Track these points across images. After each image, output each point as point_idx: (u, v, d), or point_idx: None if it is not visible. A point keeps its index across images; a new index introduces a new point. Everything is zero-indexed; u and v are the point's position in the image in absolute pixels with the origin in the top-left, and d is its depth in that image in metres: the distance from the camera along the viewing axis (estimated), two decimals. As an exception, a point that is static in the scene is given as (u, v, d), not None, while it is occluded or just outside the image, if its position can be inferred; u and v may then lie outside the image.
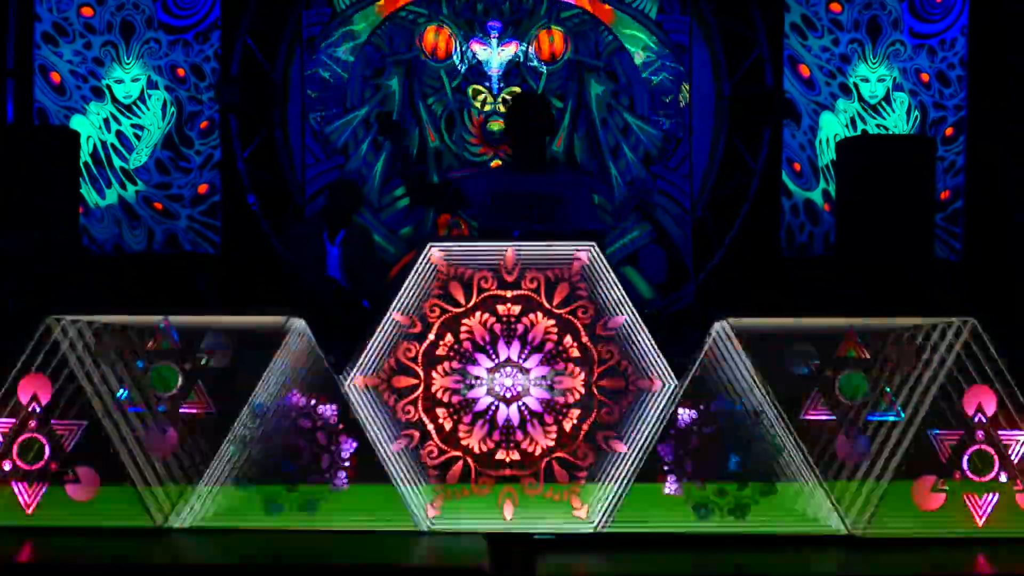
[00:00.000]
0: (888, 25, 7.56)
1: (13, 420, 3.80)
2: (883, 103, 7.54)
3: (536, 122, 4.57)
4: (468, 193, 4.67)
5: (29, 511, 3.75)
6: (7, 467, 3.77)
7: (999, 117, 7.18)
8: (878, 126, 7.53)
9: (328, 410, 3.80)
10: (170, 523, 3.74)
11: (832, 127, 7.55)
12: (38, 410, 3.80)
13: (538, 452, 3.78)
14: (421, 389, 3.80)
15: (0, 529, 3.72)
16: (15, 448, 3.78)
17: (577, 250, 3.83)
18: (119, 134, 7.50)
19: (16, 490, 3.76)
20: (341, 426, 3.78)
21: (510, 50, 7.55)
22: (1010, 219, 6.72)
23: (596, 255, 3.83)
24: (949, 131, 7.49)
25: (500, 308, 3.82)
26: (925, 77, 7.54)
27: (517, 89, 7.43)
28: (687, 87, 7.52)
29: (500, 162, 7.41)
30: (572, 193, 4.46)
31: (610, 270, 3.83)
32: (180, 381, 3.80)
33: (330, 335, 3.93)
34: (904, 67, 7.55)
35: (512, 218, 4.34)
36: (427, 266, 3.84)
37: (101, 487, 3.76)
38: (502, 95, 7.50)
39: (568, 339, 3.80)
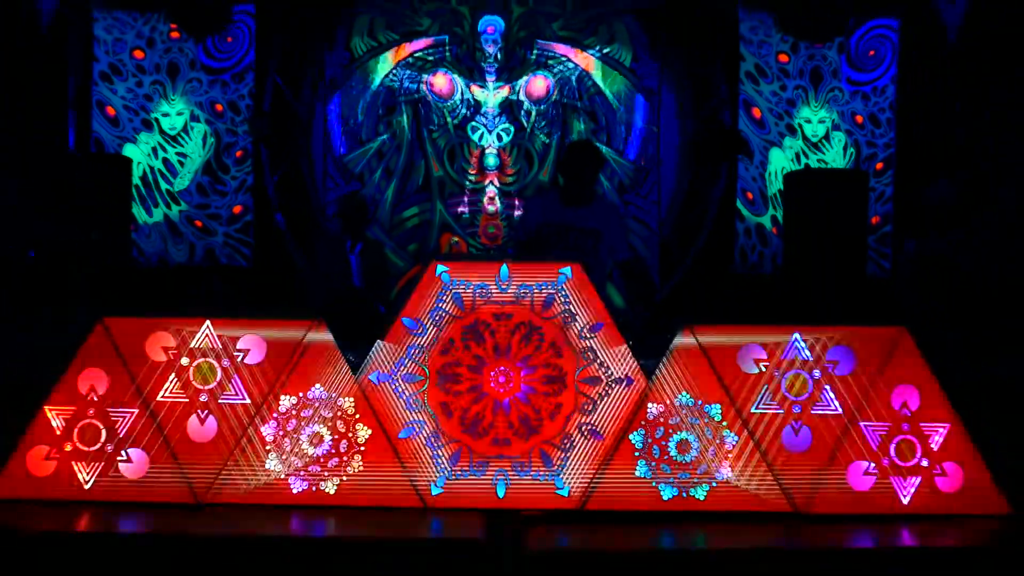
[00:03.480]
0: (828, 74, 7.62)
1: (74, 408, 3.80)
2: (823, 141, 7.59)
3: (591, 167, 4.55)
4: (525, 219, 4.63)
5: (87, 487, 3.75)
6: (68, 448, 3.77)
7: (922, 154, 7.23)
8: (819, 161, 7.57)
9: (346, 402, 3.80)
10: (209, 499, 3.74)
11: (780, 161, 7.59)
12: (95, 399, 3.80)
13: (527, 440, 3.79)
14: (427, 384, 3.81)
15: (62, 503, 3.72)
16: (75, 432, 3.78)
17: (562, 267, 3.85)
18: (165, 161, 7.49)
19: (76, 469, 3.76)
20: (358, 416, 3.79)
21: (504, 92, 7.57)
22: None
23: (578, 271, 3.85)
24: (879, 166, 7.54)
25: (495, 316, 3.83)
26: (860, 119, 7.60)
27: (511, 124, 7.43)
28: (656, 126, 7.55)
29: (496, 189, 7.41)
30: (607, 226, 4.46)
31: (590, 284, 3.86)
32: (219, 375, 3.81)
33: (348, 336, 3.94)
34: (842, 110, 7.60)
35: (556, 247, 4.32)
36: (432, 279, 3.85)
37: (149, 467, 3.77)
38: (497, 131, 7.53)
39: (554, 343, 3.81)
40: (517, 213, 7.00)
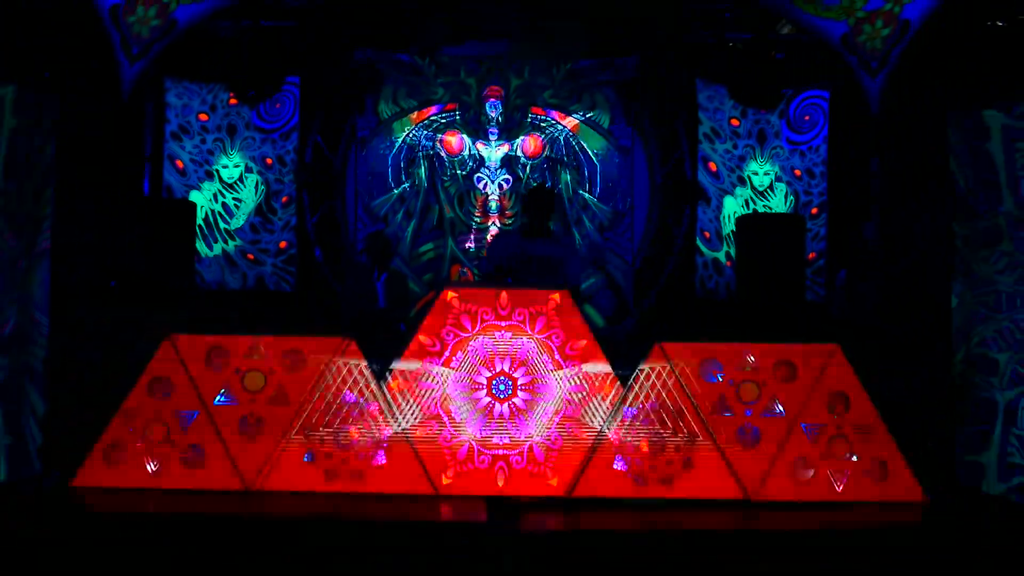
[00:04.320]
0: (772, 135, 7.65)
1: (145, 408, 3.77)
2: (768, 190, 7.61)
3: (547, 207, 4.58)
4: (490, 254, 4.63)
5: (155, 476, 3.72)
6: (139, 444, 3.75)
7: (850, 201, 7.26)
8: (765, 207, 7.59)
9: (372, 405, 3.78)
10: (257, 486, 3.71)
11: (732, 206, 7.61)
12: (163, 401, 3.77)
13: (523, 437, 3.77)
14: (439, 391, 3.79)
15: (134, 490, 3.69)
16: (145, 429, 3.75)
17: (552, 293, 3.85)
18: (224, 205, 7.50)
19: (145, 460, 3.73)
20: (381, 417, 3.77)
21: (504, 149, 7.61)
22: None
23: (566, 297, 3.85)
24: (814, 211, 7.56)
25: (496, 334, 3.82)
26: (798, 172, 7.63)
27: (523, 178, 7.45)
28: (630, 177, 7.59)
29: (498, 229, 7.43)
30: (564, 254, 4.47)
31: (576, 307, 3.85)
32: (266, 382, 3.79)
33: (374, 350, 3.92)
34: (783, 165, 7.63)
35: (523, 274, 4.33)
36: (444, 303, 3.84)
37: (208, 459, 3.74)
38: (498, 181, 7.56)
39: (545, 356, 3.80)
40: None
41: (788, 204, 7.57)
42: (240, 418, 3.77)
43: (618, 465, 3.74)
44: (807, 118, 7.63)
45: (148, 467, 3.73)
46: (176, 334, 3.85)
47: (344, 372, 3.80)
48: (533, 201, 4.58)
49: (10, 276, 4.03)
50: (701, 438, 3.74)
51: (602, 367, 3.79)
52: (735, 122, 7.66)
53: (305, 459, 3.74)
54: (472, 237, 7.53)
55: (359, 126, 7.59)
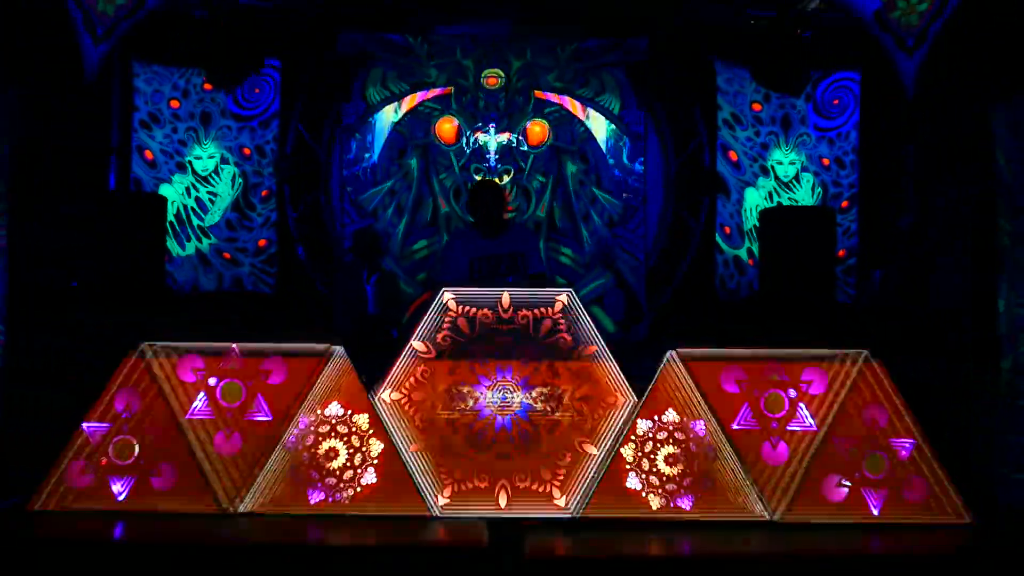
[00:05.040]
0: (797, 121, 7.63)
1: (110, 424, 3.75)
2: (794, 181, 7.59)
3: (494, 203, 4.60)
4: (450, 257, 4.69)
5: (121, 499, 3.70)
6: (104, 463, 3.72)
7: (883, 193, 7.23)
8: (790, 199, 7.57)
9: (361, 418, 3.76)
10: (234, 509, 3.69)
11: (754, 199, 7.58)
12: (129, 417, 3.75)
13: (527, 454, 3.74)
14: (435, 402, 3.77)
15: (97, 512, 3.66)
16: (111, 447, 3.73)
17: (558, 294, 3.83)
18: (197, 199, 7.48)
19: (111, 481, 3.71)
20: (371, 431, 3.75)
21: (504, 137, 7.58)
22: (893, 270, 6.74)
23: (572, 298, 3.83)
24: (845, 204, 7.53)
25: (497, 339, 3.80)
26: (826, 162, 7.61)
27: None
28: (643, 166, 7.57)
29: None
30: (527, 246, 4.52)
31: (583, 310, 3.83)
32: (244, 394, 3.77)
33: (363, 358, 3.90)
34: (810, 154, 7.61)
35: (490, 273, 4.39)
36: (441, 306, 3.82)
37: (179, 479, 3.71)
38: (498, 172, 7.53)
39: (550, 364, 3.78)
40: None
41: (816, 196, 7.54)
42: (216, 434, 3.75)
43: (632, 483, 3.71)
44: (836, 102, 7.60)
45: (114, 489, 3.70)
46: (145, 341, 3.83)
47: (331, 382, 3.78)
48: (480, 198, 4.62)
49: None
50: (723, 453, 3.72)
51: (613, 375, 3.76)
52: (757, 107, 7.64)
53: (288, 478, 3.71)
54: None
55: (345, 113, 7.57)
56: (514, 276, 4.35)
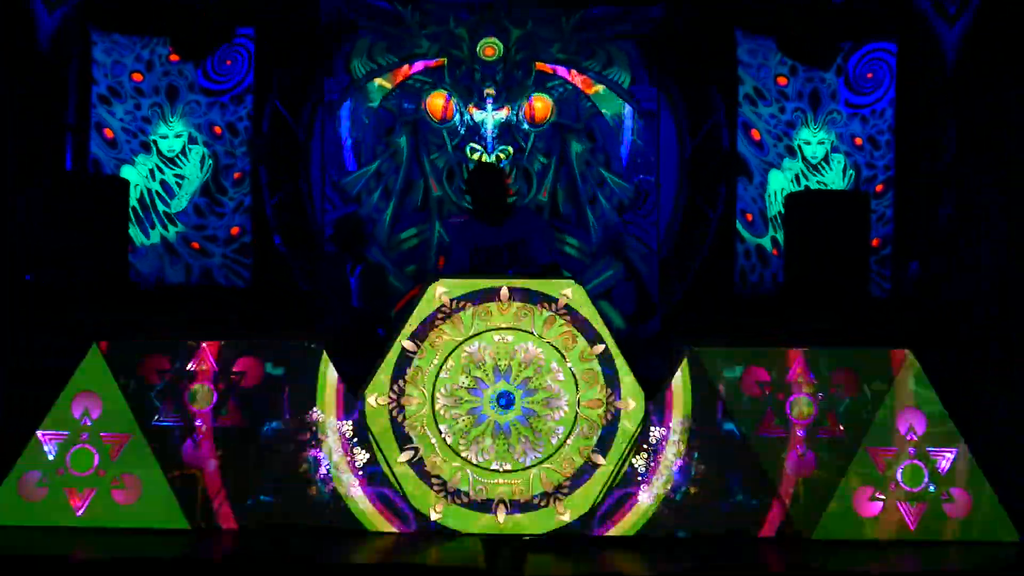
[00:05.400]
0: (827, 97, 7.60)
1: (67, 432, 3.74)
2: (823, 163, 7.57)
3: (494, 186, 4.57)
4: (454, 246, 4.68)
5: (79, 513, 3.69)
6: (61, 474, 3.71)
7: (921, 176, 7.22)
8: (818, 183, 7.54)
9: (343, 425, 3.75)
10: (206, 524, 3.68)
11: (779, 183, 7.56)
12: (89, 423, 3.75)
13: (529, 462, 3.74)
14: (426, 407, 3.77)
15: (53, 529, 3.66)
16: (68, 457, 3.72)
17: (562, 287, 3.82)
18: (163, 183, 7.45)
19: (68, 494, 3.70)
20: (356, 439, 3.74)
21: (502, 114, 7.55)
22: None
23: (579, 291, 3.82)
24: (879, 188, 7.51)
25: (496, 337, 3.79)
26: (859, 141, 7.58)
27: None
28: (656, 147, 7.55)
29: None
30: (534, 234, 4.48)
31: (590, 304, 3.82)
32: (215, 399, 3.76)
33: (348, 358, 3.89)
34: (840, 132, 7.58)
35: (491, 265, 4.36)
36: (432, 300, 3.81)
37: (143, 492, 3.71)
38: (496, 152, 7.51)
39: (554, 364, 3.78)
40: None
41: (847, 180, 7.52)
42: (185, 442, 3.74)
43: (644, 496, 3.71)
44: (870, 76, 7.57)
45: (73, 502, 3.69)
46: (105, 340, 3.81)
47: (311, 385, 3.77)
48: (478, 182, 4.60)
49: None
50: (745, 463, 3.71)
51: (624, 376, 3.76)
52: (783, 81, 7.61)
53: (265, 491, 3.70)
54: (462, 221, 7.49)
55: (327, 88, 7.54)
56: (517, 267, 4.31)
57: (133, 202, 7.19)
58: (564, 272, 4.71)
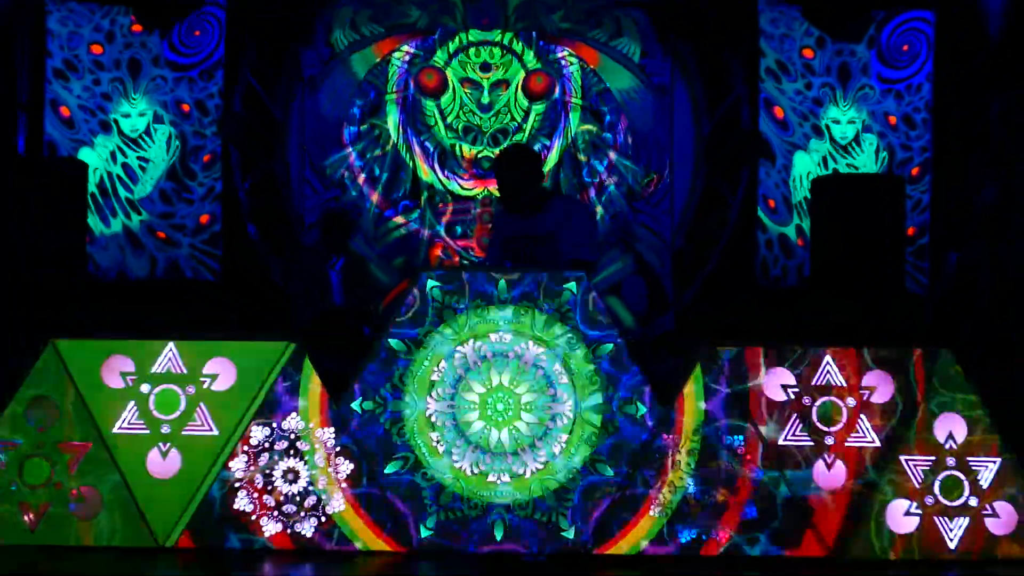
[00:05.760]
0: (858, 71, 7.60)
1: (19, 441, 3.74)
2: (853, 144, 7.57)
3: (520, 170, 4.51)
4: (492, 235, 4.60)
5: (33, 530, 3.69)
6: (13, 487, 3.71)
7: (962, 158, 7.22)
8: (848, 165, 7.55)
9: (326, 433, 3.75)
10: (170, 542, 3.68)
11: (805, 166, 7.57)
12: (44, 431, 3.74)
13: (528, 475, 3.74)
14: (416, 413, 3.77)
15: (4, 548, 3.66)
16: (21, 468, 3.72)
17: (566, 280, 3.81)
18: (125, 166, 7.45)
19: (21, 509, 3.70)
20: (339, 448, 3.75)
21: (500, 90, 7.56)
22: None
23: (584, 285, 3.82)
24: (915, 171, 7.52)
25: (492, 336, 3.79)
26: (893, 120, 7.58)
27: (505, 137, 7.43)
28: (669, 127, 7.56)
29: (489, 198, 7.40)
30: (566, 225, 4.40)
31: (597, 300, 3.82)
32: (183, 404, 3.76)
33: (329, 360, 3.90)
34: (873, 110, 7.58)
35: (519, 259, 4.27)
36: (422, 296, 3.81)
37: (104, 507, 3.71)
38: (492, 132, 7.51)
39: (557, 366, 3.78)
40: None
41: (880, 162, 7.53)
42: (149, 451, 3.73)
43: (655, 511, 3.72)
44: (905, 48, 7.57)
45: (25, 519, 3.70)
46: (61, 338, 3.80)
47: (288, 389, 3.77)
48: (503, 164, 4.53)
49: None
50: (767, 475, 3.71)
51: (634, 379, 3.76)
52: (809, 53, 7.61)
53: (237, 505, 3.71)
54: (458, 208, 7.49)
55: (306, 61, 7.54)
56: (545, 263, 4.16)
57: (92, 188, 7.20)
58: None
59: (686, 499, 3.72)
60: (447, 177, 7.53)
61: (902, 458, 3.75)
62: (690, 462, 3.73)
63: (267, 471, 3.73)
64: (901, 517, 3.73)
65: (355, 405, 3.77)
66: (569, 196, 7.05)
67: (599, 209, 7.52)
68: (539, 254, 4.27)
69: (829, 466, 3.75)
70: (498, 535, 3.71)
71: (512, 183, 4.44)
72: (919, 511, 3.73)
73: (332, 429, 3.76)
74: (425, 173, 7.54)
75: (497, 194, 4.78)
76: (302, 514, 3.72)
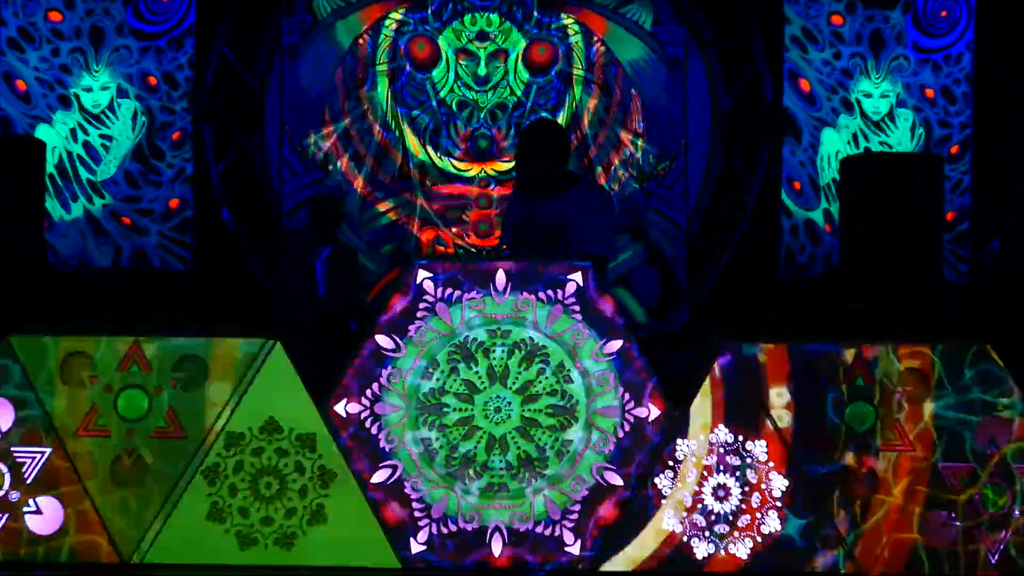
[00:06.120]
0: (892, 39, 7.59)
1: (-30, 447, 3.75)
2: (886, 119, 7.56)
3: (538, 148, 4.48)
4: (505, 220, 4.60)
5: (-14, 544, 3.70)
6: (-36, 498, 3.72)
7: (1007, 135, 7.21)
8: (881, 143, 7.54)
9: (307, 437, 3.75)
10: (138, 558, 3.68)
11: (833, 144, 7.56)
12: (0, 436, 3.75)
13: (529, 484, 3.75)
14: (406, 416, 3.77)
15: (-46, 564, 3.67)
16: (-28, 477, 3.73)
17: (571, 271, 3.81)
18: (86, 145, 7.44)
19: (-28, 522, 3.72)
20: (320, 454, 3.75)
21: (499, 61, 7.54)
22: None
23: (591, 276, 3.81)
24: (955, 149, 7.51)
25: (490, 331, 3.79)
26: (930, 93, 7.57)
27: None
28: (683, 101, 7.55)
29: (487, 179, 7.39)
30: (581, 215, 4.38)
31: (605, 292, 3.82)
32: (151, 406, 3.76)
33: (311, 357, 3.89)
34: (908, 82, 7.58)
35: (527, 246, 4.25)
36: (413, 287, 3.80)
37: (64, 519, 3.70)
38: (490, 107, 7.50)
39: (562, 365, 3.77)
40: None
41: (916, 140, 7.53)
42: (113, 459, 3.74)
43: (669, 523, 3.73)
44: (944, 14, 7.56)
45: (-22, 531, 3.71)
46: (16, 334, 3.81)
47: (267, 390, 3.77)
48: (525, 141, 4.51)
49: None
50: (790, 483, 3.72)
51: (644, 379, 3.76)
52: (838, 20, 7.60)
53: (209, 518, 3.71)
54: (453, 191, 7.49)
55: (286, 29, 7.53)
56: (555, 253, 4.12)
57: (50, 168, 7.20)
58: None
59: (702, 511, 3.72)
60: (440, 157, 7.52)
61: (939, 465, 3.75)
62: (706, 471, 3.73)
63: (248, 481, 3.73)
64: (939, 530, 3.74)
65: (339, 407, 3.77)
66: (593, 183, 6.99)
67: (607, 191, 7.51)
68: (549, 244, 4.24)
69: (860, 474, 3.75)
70: (496, 550, 3.71)
71: (530, 160, 4.44)
72: (958, 523, 3.73)
73: (314, 433, 3.76)
74: (416, 152, 7.54)
75: (493, 173, 4.78)
76: (281, 527, 3.72)
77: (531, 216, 4.40)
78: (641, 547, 3.72)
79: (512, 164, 4.53)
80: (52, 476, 3.74)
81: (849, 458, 3.75)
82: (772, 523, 3.73)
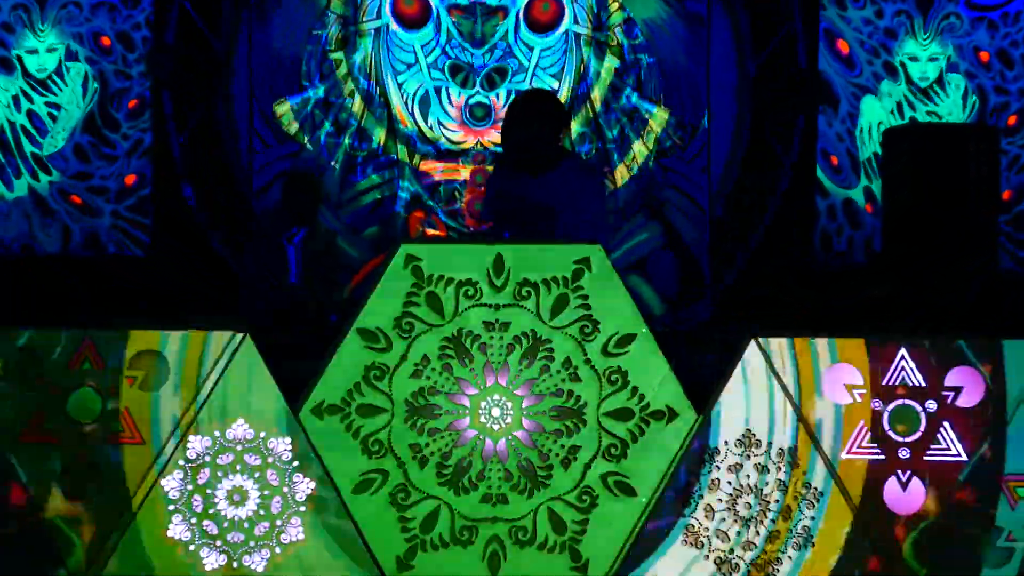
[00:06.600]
0: (941, -5, 7.61)
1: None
2: (935, 86, 7.57)
3: (535, 119, 4.49)
4: (485, 196, 4.64)
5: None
6: None
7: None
8: (929, 113, 7.55)
9: (280, 444, 3.76)
10: (92, 572, 3.70)
11: (875, 114, 7.57)
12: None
13: (531, 496, 3.75)
14: (392, 419, 3.77)
15: None
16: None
17: (577, 255, 3.81)
18: (31, 114, 7.45)
19: (-96, 538, 3.73)
20: (296, 463, 3.76)
21: (497, 20, 7.55)
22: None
23: (601, 261, 3.81)
24: (1012, 119, 7.52)
25: (486, 324, 3.79)
26: (985, 56, 7.58)
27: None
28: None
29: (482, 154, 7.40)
30: (569, 199, 4.40)
31: (617, 279, 3.82)
32: (106, 408, 3.76)
33: (285, 354, 3.90)
34: (960, 44, 7.59)
35: (513, 229, 4.29)
36: (400, 274, 3.81)
37: (9, 534, 3.72)
38: (487, 71, 7.51)
39: (568, 361, 3.78)
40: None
41: (969, 109, 7.54)
42: (65, 466, 3.74)
43: (685, 539, 3.73)
44: (1000, -35, 7.57)
45: (-90, 548, 3.72)
46: (-47, 328, 3.81)
47: (235, 390, 3.77)
48: (512, 114, 4.51)
49: None
50: (826, 495, 3.74)
51: (661, 377, 3.77)
52: (881, -28, 7.61)
53: (170, 533, 3.72)
54: (444, 166, 7.50)
55: (255, -17, 7.54)
56: (538, 238, 4.14)
57: (-9, 141, 7.22)
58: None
59: (726, 525, 3.74)
60: (430, 128, 7.53)
61: (997, 476, 3.76)
62: (732, 480, 3.75)
63: (208, 491, 3.74)
64: (996, 548, 3.74)
65: (316, 409, 3.77)
66: (583, 163, 7.00)
67: (620, 167, 7.52)
68: (530, 226, 4.26)
69: (904, 485, 3.76)
70: (494, 570, 3.72)
71: (515, 131, 4.44)
72: (1017, 542, 3.74)
73: (288, 440, 3.76)
74: (404, 122, 7.55)
75: (490, 145, 4.79)
76: (252, 544, 3.73)
77: (512, 192, 4.42)
78: (657, 564, 3.73)
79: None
80: (-4, 485, 3.76)
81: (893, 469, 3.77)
82: (805, 537, 3.75)
